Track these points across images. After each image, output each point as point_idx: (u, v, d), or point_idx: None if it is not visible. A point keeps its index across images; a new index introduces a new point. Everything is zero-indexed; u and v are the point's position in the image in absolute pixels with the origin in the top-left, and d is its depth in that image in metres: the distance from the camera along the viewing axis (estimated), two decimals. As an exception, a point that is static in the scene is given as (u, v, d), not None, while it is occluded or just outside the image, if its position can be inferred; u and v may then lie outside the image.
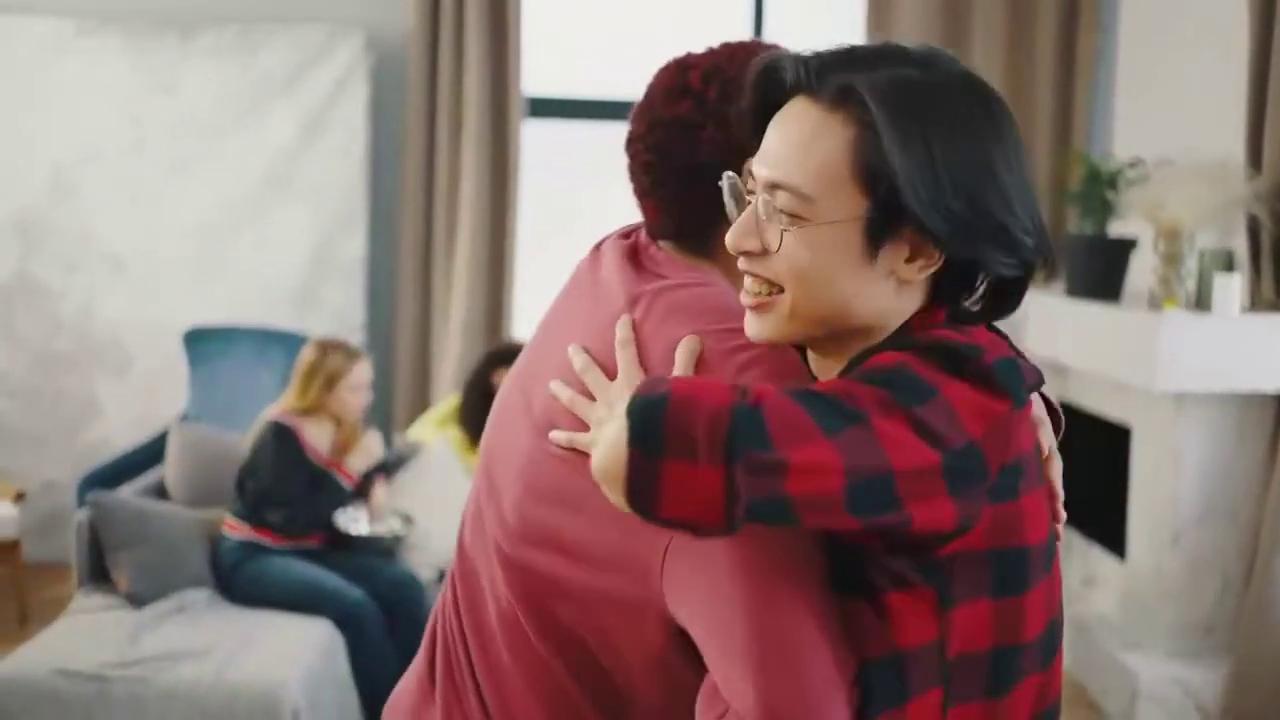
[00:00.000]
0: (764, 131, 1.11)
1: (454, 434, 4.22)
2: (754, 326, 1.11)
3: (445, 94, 5.04)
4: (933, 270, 1.08)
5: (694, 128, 1.21)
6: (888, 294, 1.08)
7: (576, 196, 5.46)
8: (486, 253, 5.13)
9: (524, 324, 5.17)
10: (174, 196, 5.12)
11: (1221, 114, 4.04)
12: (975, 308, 1.13)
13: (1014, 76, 5.09)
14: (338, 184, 5.12)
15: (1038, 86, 5.09)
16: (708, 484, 0.93)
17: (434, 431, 4.32)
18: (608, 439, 0.97)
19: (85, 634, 3.29)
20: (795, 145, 1.06)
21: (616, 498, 0.97)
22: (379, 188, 5.23)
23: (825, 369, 1.15)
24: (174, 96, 5.09)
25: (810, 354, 1.17)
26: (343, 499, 3.77)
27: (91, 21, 5.04)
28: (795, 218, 1.05)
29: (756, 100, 1.12)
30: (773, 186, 1.07)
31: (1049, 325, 4.42)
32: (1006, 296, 1.14)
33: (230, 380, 4.72)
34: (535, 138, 5.26)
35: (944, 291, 1.10)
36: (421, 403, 5.11)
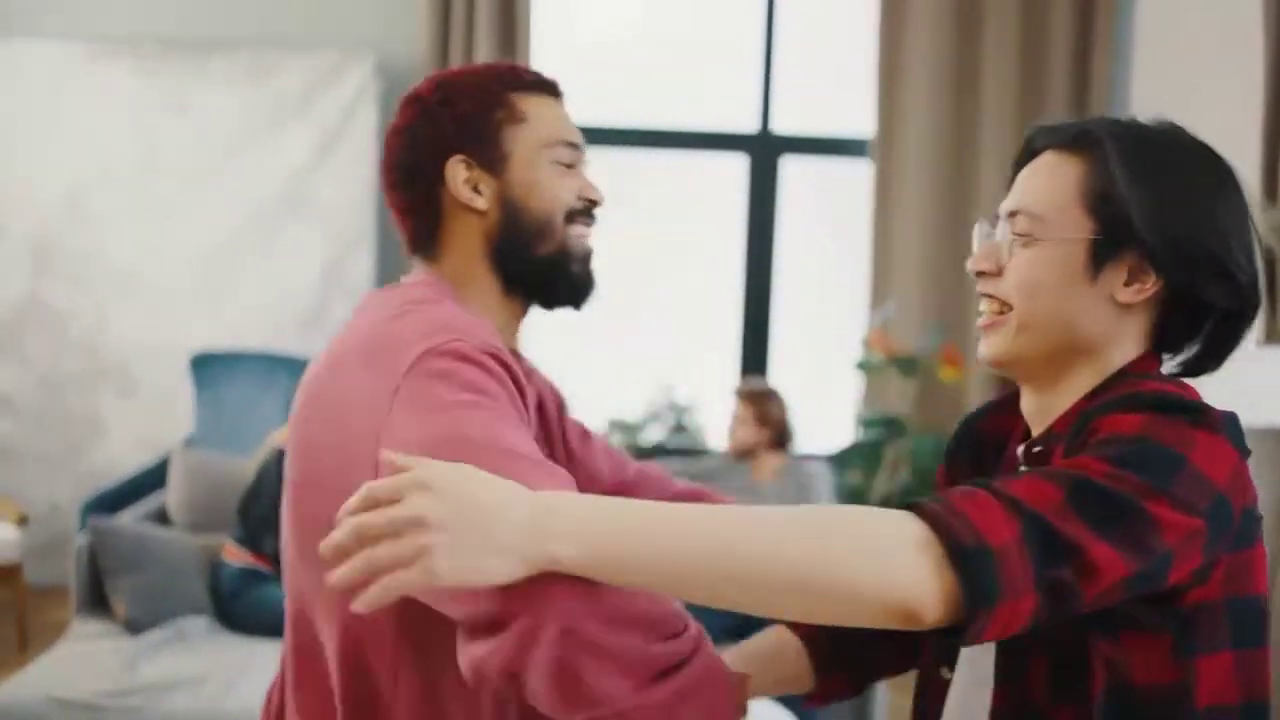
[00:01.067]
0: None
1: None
2: (983, 348, 1.21)
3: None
4: (1150, 294, 1.14)
5: (410, 129, 1.30)
6: (1108, 317, 1.15)
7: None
8: (495, 278, 5.10)
9: (532, 348, 5.13)
10: (184, 218, 5.11)
11: (1235, 145, 3.99)
12: (1192, 350, 1.20)
13: (1026, 103, 5.05)
14: (347, 206, 5.11)
15: (1052, 101, 5.04)
16: (1024, 611, 0.98)
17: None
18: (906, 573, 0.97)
19: (82, 661, 3.25)
20: (1033, 178, 1.19)
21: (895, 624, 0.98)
22: (388, 210, 5.20)
23: (1041, 408, 1.21)
24: (185, 119, 5.09)
25: (1024, 392, 1.23)
26: None
27: (104, 45, 5.04)
28: (1027, 237, 1.16)
29: (1017, 166, 1.24)
30: (1011, 214, 1.18)
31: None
32: (1220, 345, 1.21)
33: (236, 404, 4.70)
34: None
35: (1168, 335, 1.19)
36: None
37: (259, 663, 3.30)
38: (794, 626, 1.41)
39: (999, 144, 5.03)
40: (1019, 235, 1.17)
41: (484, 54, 4.97)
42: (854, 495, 4.73)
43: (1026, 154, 1.23)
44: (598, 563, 0.96)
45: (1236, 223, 1.16)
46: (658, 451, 5.07)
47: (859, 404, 5.06)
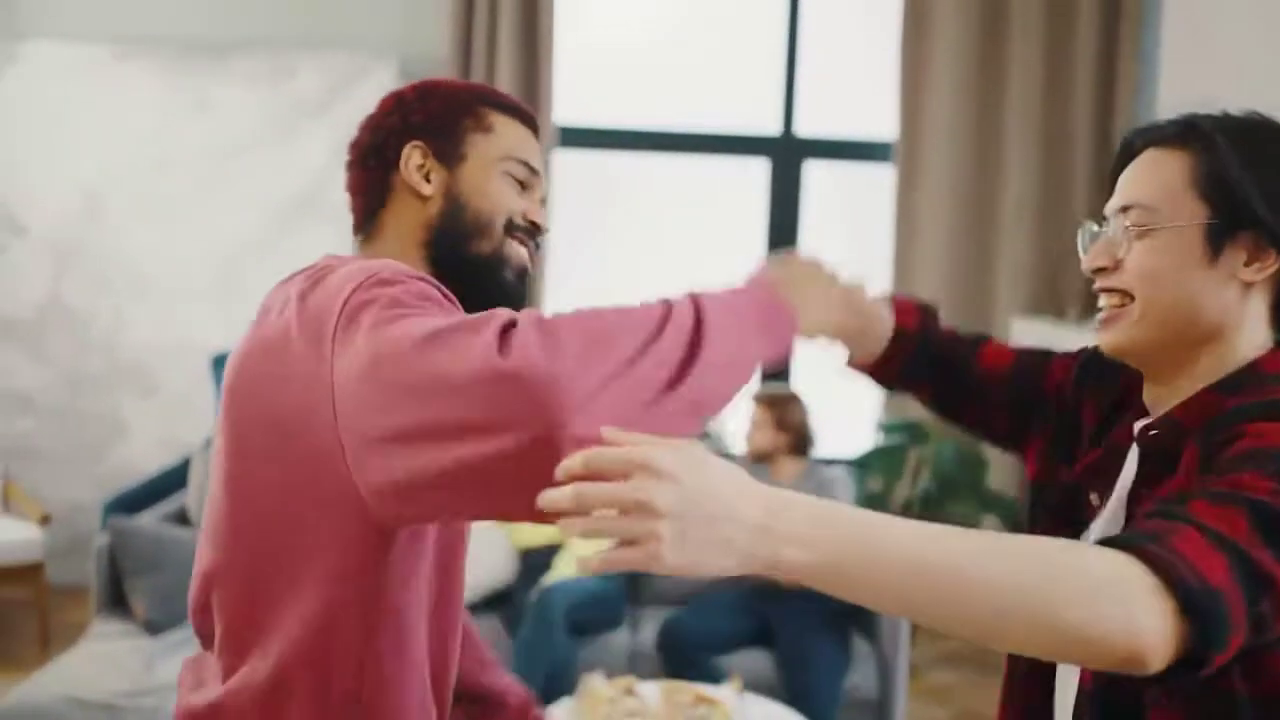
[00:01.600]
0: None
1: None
2: (1106, 339, 1.24)
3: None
4: (1271, 271, 1.18)
5: (383, 115, 1.37)
6: (1230, 298, 1.19)
7: (606, 226, 5.43)
8: (515, 280, 5.10)
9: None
10: (203, 219, 5.12)
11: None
12: None
13: (1051, 109, 5.02)
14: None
15: (1076, 105, 5.02)
16: (1236, 645, 0.99)
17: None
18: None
19: (100, 661, 3.26)
20: (1141, 173, 1.23)
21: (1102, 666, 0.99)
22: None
23: (1161, 395, 1.24)
24: (206, 120, 5.11)
25: (1147, 384, 1.26)
26: None
27: (126, 45, 5.07)
28: (1142, 228, 1.20)
29: (1115, 170, 1.28)
30: (1123, 209, 1.22)
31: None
32: None
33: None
34: (566, 166, 5.23)
35: None
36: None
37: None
38: (898, 312, 1.51)
39: (1024, 148, 5.00)
40: (1134, 227, 1.21)
41: (506, 55, 4.97)
42: (874, 501, 4.70)
43: (1124, 157, 1.27)
44: (825, 571, 0.95)
45: None
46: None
47: (880, 409, 5.03)
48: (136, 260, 5.13)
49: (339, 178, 3.92)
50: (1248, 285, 1.19)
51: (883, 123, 5.19)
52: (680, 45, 5.40)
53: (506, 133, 1.38)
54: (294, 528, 1.18)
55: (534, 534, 4.03)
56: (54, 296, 5.12)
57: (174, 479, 4.33)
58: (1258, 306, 1.20)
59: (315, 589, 1.19)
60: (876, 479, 4.75)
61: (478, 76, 5.00)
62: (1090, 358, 1.40)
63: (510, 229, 1.36)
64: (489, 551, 3.99)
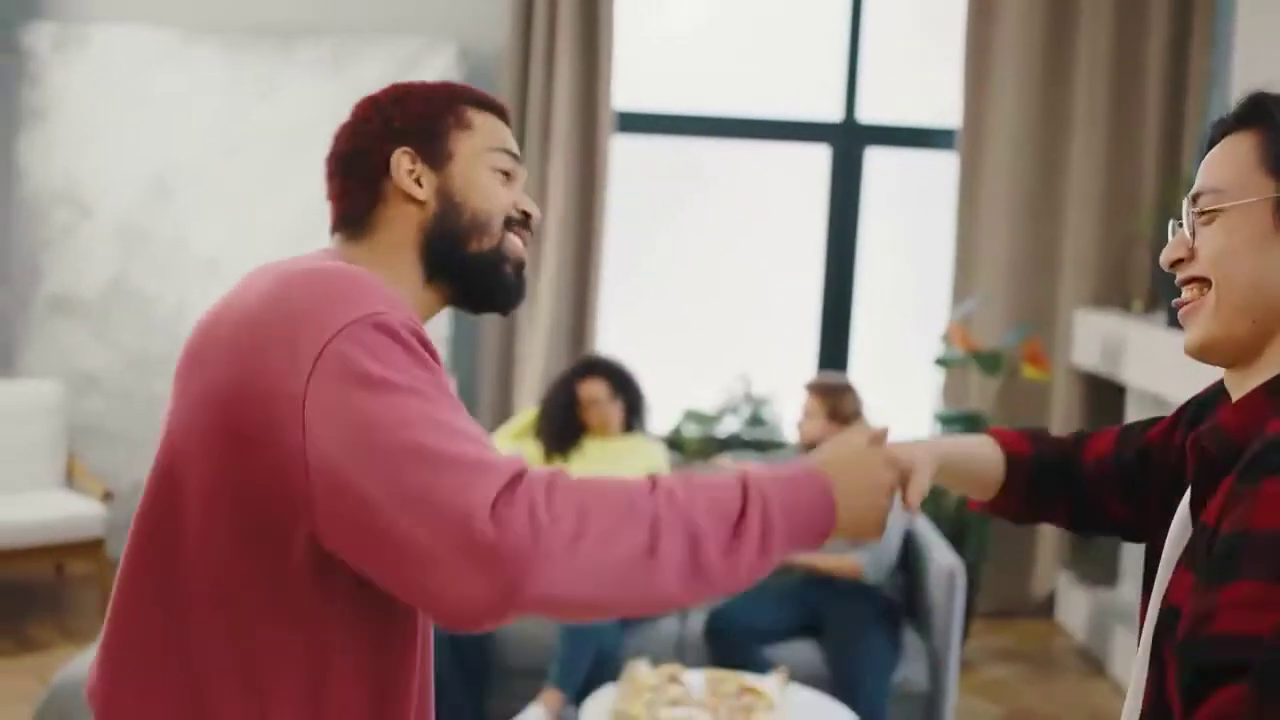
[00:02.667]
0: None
1: (529, 447, 4.19)
2: (1186, 338, 1.22)
3: (536, 107, 5.03)
4: None
5: (363, 121, 1.39)
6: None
7: (664, 211, 5.41)
8: (573, 267, 5.10)
9: (610, 338, 5.13)
10: (268, 204, 5.18)
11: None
12: None
13: (1119, 97, 4.91)
14: (427, 195, 5.14)
15: (1146, 92, 4.90)
16: None
17: (510, 444, 4.30)
18: None
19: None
20: (1210, 160, 1.21)
21: None
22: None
23: (1239, 385, 1.21)
24: (271, 106, 5.16)
25: (1228, 381, 1.23)
26: None
27: (194, 31, 5.13)
28: (1211, 212, 1.18)
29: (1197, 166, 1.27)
30: (1194, 198, 1.21)
31: (1148, 356, 4.24)
32: None
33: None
34: (625, 152, 5.22)
35: None
36: (504, 414, 5.10)
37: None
38: (1003, 442, 1.49)
39: (1091, 135, 4.90)
40: (1203, 213, 1.19)
41: (566, 41, 4.97)
42: (930, 493, 4.64)
43: (1203, 154, 1.26)
44: None
45: None
46: (733, 443, 5.04)
47: (937, 400, 4.97)
48: (201, 244, 5.20)
49: None
50: None
51: (946, 109, 5.11)
52: (741, 30, 5.36)
53: (485, 127, 1.40)
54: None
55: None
56: (120, 279, 5.21)
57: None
58: None
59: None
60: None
61: (538, 62, 5.01)
62: (1191, 404, 1.35)
63: (509, 224, 1.38)
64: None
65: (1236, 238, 1.16)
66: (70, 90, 5.18)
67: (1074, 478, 1.46)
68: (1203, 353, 1.21)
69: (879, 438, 1.31)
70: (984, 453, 1.46)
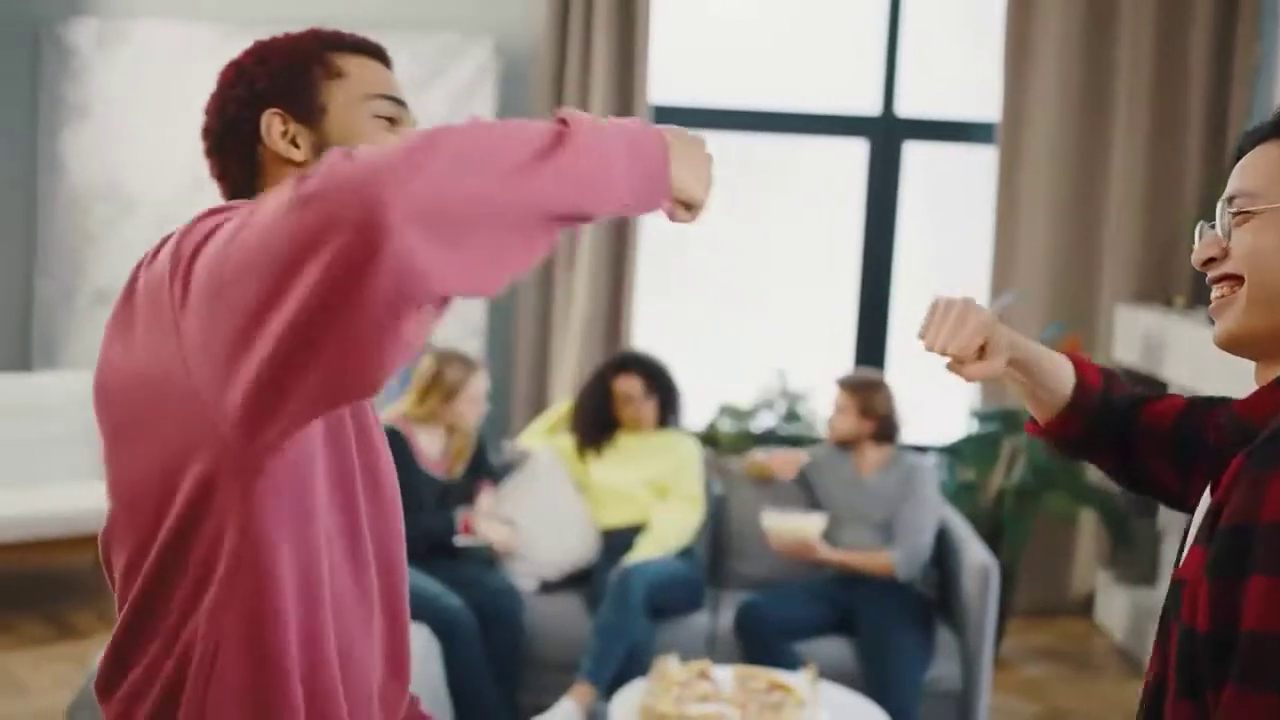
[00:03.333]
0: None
1: (562, 442, 4.19)
2: (1217, 330, 1.26)
3: (572, 102, 5.02)
4: None
5: (228, 89, 1.33)
6: None
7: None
8: (608, 260, 5.10)
9: (643, 331, 5.12)
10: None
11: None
12: None
13: (1162, 90, 4.84)
14: (463, 189, 5.15)
15: (1190, 101, 4.84)
16: None
17: (543, 439, 4.30)
18: None
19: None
20: (1243, 166, 1.26)
21: None
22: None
23: (1266, 380, 1.26)
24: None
25: (1256, 371, 1.28)
26: (447, 526, 3.77)
27: (231, 27, 5.17)
28: (1245, 214, 1.23)
29: (1228, 173, 1.31)
30: (1228, 200, 1.26)
31: (1190, 353, 4.18)
32: None
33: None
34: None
35: None
36: (539, 409, 5.10)
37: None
38: (1079, 368, 1.53)
39: (1132, 130, 4.84)
40: (1237, 214, 1.24)
41: (602, 34, 4.96)
42: (967, 490, 4.61)
43: (1234, 162, 1.31)
44: None
45: None
46: (768, 439, 5.02)
47: (974, 396, 4.93)
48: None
49: None
50: None
51: (985, 103, 5.06)
52: (779, 22, 5.33)
53: (361, 73, 1.34)
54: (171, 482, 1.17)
55: (616, 514, 4.03)
56: (161, 271, 5.26)
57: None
58: None
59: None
60: (969, 468, 4.65)
61: (574, 55, 5.00)
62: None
63: None
64: (571, 532, 4.00)
65: (1266, 238, 1.21)
66: (112, 86, 5.24)
67: (1131, 428, 1.50)
68: (1231, 344, 1.26)
69: None
70: (1059, 369, 1.50)
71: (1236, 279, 1.24)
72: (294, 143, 1.31)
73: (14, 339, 5.37)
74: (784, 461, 4.13)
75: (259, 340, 1.04)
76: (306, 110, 1.31)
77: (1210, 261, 1.26)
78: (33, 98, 5.30)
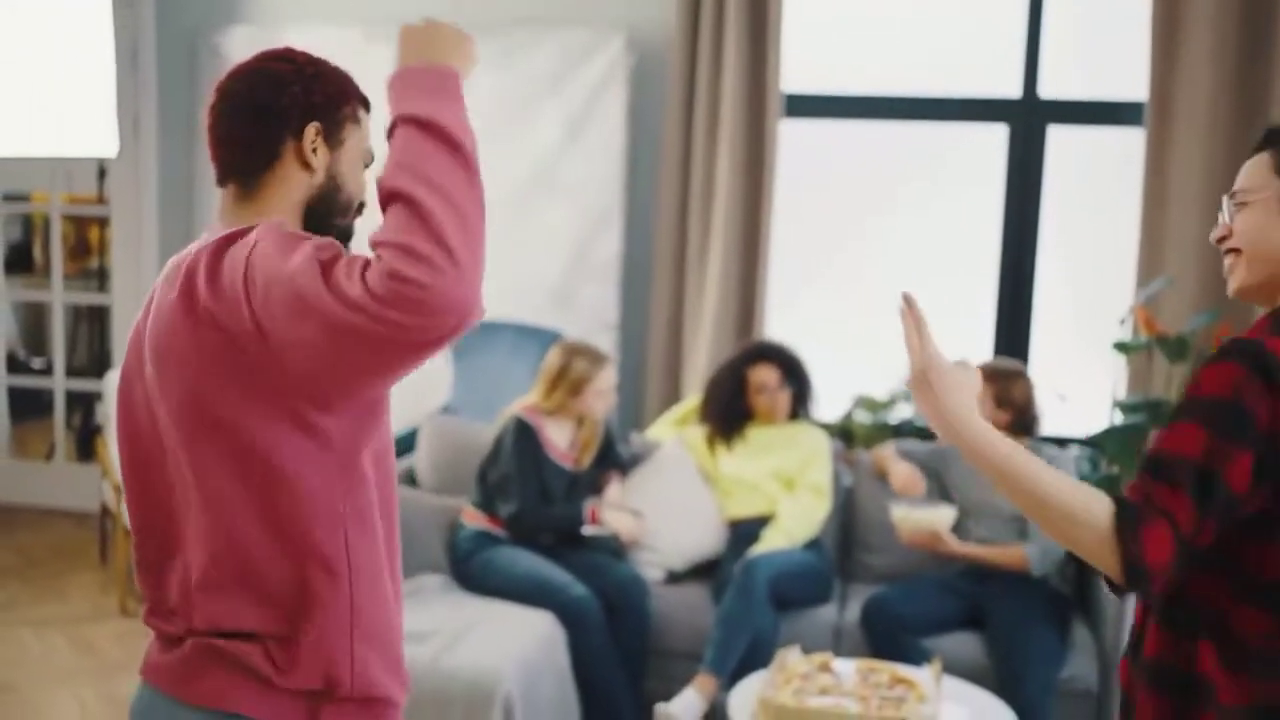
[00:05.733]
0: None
1: (691, 434, 4.20)
2: (1230, 284, 1.70)
3: (703, 93, 5.03)
4: None
5: (284, 82, 1.56)
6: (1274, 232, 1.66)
7: (834, 195, 5.34)
8: (740, 252, 5.09)
9: (776, 323, 5.10)
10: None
11: None
12: None
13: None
14: (597, 183, 5.21)
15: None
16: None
17: (673, 430, 4.32)
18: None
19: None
20: (1244, 169, 1.71)
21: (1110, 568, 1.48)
22: (636, 187, 5.28)
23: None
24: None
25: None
26: (575, 516, 3.82)
27: (378, 28, 5.33)
28: (1242, 205, 1.68)
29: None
30: (1232, 195, 1.71)
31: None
32: None
33: (489, 374, 4.89)
34: (793, 135, 5.17)
35: None
36: (671, 402, 5.13)
37: (483, 623, 3.43)
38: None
39: (1290, 107, 4.60)
40: (1237, 205, 1.70)
41: (734, 27, 4.95)
42: (1109, 483, 4.46)
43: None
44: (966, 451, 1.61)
45: None
46: (904, 430, 4.94)
47: (1118, 387, 4.76)
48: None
49: (571, 154, 4.50)
50: None
51: (1133, 83, 4.88)
52: (914, 4, 5.23)
53: (365, 126, 1.64)
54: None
55: (743, 505, 4.03)
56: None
57: (408, 443, 4.55)
58: None
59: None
60: (1112, 461, 4.49)
61: (705, 48, 5.00)
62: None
63: (359, 210, 1.64)
64: (697, 523, 4.02)
65: (1256, 219, 1.66)
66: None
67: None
68: (1240, 295, 1.70)
69: None
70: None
71: (1238, 250, 1.68)
72: (315, 152, 1.57)
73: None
74: (905, 479, 4.02)
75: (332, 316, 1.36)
76: (334, 138, 1.59)
77: (1222, 239, 1.71)
78: (192, 106, 5.56)
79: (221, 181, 1.59)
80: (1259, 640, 1.49)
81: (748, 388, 4.12)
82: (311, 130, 1.56)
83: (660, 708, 3.44)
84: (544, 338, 4.77)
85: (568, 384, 3.89)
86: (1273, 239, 1.64)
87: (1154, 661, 1.58)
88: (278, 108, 1.55)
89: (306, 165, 1.56)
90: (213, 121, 1.58)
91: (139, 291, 5.65)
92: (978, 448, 1.53)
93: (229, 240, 1.45)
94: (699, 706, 3.47)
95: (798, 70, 5.12)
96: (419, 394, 5.33)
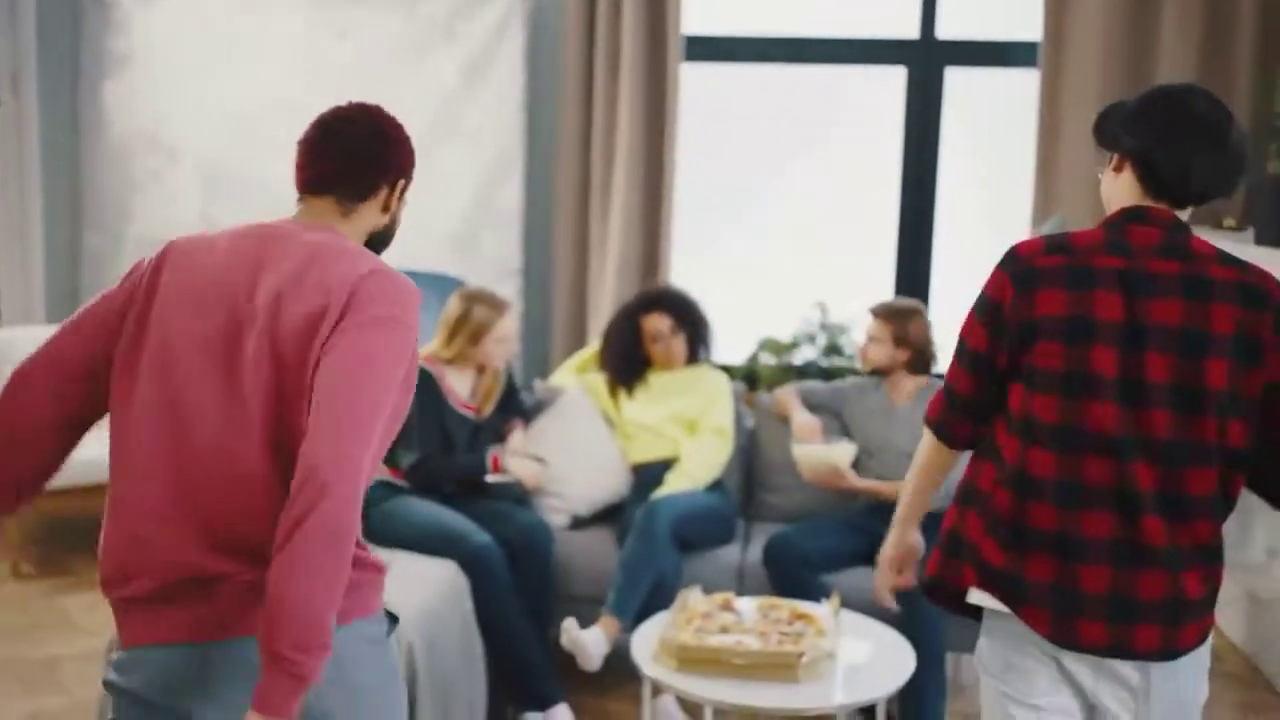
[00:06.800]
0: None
1: (594, 380, 4.20)
2: None
3: (603, 36, 4.97)
4: (1125, 170, 2.05)
5: (397, 143, 1.95)
6: (1108, 186, 2.09)
7: (736, 139, 5.33)
8: (643, 197, 5.06)
9: (681, 268, 5.09)
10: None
11: None
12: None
13: (1212, 6, 4.66)
14: (496, 129, 5.14)
15: (1241, 13, 4.65)
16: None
17: (574, 377, 4.31)
18: None
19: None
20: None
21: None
22: (537, 132, 5.22)
23: None
24: (345, 46, 5.20)
25: None
26: (478, 464, 3.79)
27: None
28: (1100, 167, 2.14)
29: None
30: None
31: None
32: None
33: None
34: (695, 79, 5.14)
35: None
36: (577, 347, 5.11)
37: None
38: None
39: (1180, 47, 4.67)
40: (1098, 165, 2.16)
41: (632, -31, 4.89)
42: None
43: None
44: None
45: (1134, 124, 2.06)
46: (809, 371, 4.98)
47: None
48: (285, 185, 5.26)
49: (469, 100, 4.68)
50: (1116, 177, 2.08)
51: (1028, 25, 4.91)
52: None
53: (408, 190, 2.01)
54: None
55: (646, 450, 4.04)
56: (205, 219, 5.33)
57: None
58: (1122, 189, 2.06)
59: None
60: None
61: (604, -11, 4.95)
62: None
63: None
64: (601, 468, 4.02)
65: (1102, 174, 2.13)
66: (154, 35, 5.29)
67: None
68: None
69: None
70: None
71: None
72: (394, 203, 1.96)
73: (64, 292, 5.48)
74: (803, 428, 4.02)
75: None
76: (401, 194, 1.97)
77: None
78: (75, 49, 5.37)
79: (316, 193, 1.92)
80: (1010, 456, 1.97)
81: (643, 336, 4.11)
82: (400, 185, 1.95)
83: (569, 627, 3.44)
84: (445, 285, 4.71)
85: (467, 332, 3.85)
86: (1104, 193, 2.11)
87: (962, 482, 2.09)
88: (390, 160, 1.92)
89: (386, 208, 1.95)
90: (325, 147, 1.91)
91: (25, 244, 5.45)
92: (905, 516, 2.38)
93: (380, 276, 1.78)
94: (603, 648, 3.49)
95: (698, 13, 5.09)
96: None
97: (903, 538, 2.37)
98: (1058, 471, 1.91)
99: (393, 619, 1.87)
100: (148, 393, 1.76)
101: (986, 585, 1.98)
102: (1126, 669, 1.93)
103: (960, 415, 2.06)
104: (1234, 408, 1.89)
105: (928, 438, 2.17)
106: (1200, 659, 1.96)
